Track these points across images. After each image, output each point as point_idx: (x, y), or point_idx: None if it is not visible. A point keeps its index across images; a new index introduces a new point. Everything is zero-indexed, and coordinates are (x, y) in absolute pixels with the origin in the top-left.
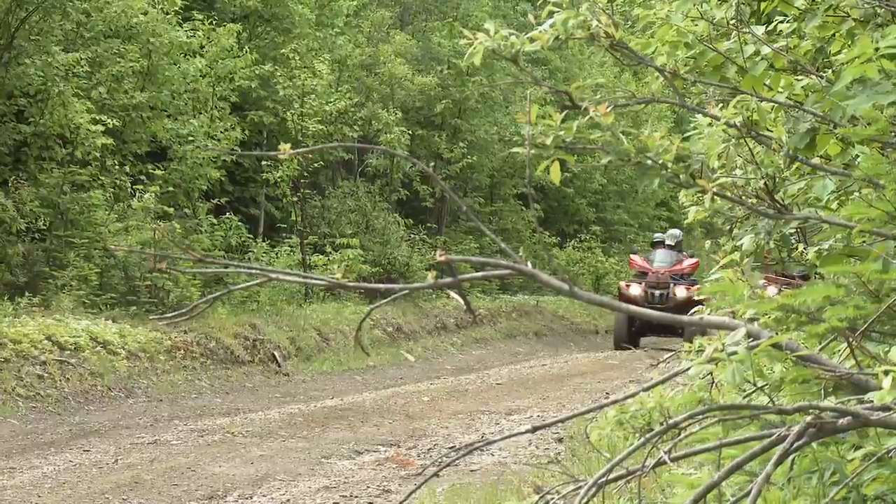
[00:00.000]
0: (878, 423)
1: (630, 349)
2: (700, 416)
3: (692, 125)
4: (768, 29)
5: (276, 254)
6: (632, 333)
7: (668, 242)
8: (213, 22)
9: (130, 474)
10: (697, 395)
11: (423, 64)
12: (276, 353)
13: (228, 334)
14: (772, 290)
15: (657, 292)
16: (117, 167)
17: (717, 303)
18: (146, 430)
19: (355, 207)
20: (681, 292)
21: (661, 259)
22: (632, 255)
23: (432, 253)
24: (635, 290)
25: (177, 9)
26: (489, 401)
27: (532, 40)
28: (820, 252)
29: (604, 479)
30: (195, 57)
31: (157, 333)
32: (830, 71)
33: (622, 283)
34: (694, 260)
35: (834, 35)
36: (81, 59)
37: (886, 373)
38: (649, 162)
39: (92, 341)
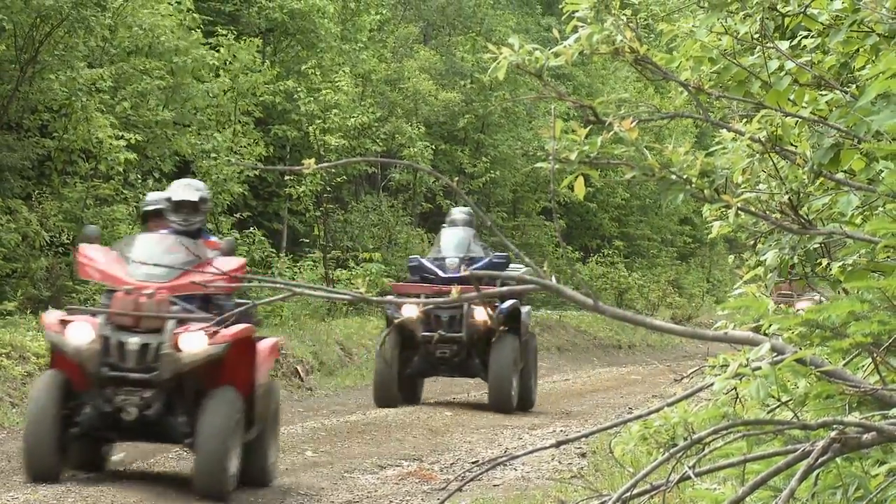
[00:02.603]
0: None
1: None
2: (724, 432)
3: (716, 140)
4: (792, 44)
5: (300, 268)
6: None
7: (173, 218)
8: (235, 36)
9: (155, 488)
10: (721, 411)
11: (447, 79)
12: (298, 368)
13: None
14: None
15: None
16: (140, 182)
17: (740, 317)
18: (169, 444)
19: (378, 222)
20: (191, 344)
21: (151, 254)
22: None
23: None
24: (81, 334)
25: (199, 25)
26: (511, 415)
27: (556, 55)
28: (844, 267)
29: (628, 494)
30: (218, 75)
31: None
32: (855, 86)
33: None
34: (238, 260)
35: (858, 50)
36: (105, 75)
37: None
38: (673, 177)
39: None
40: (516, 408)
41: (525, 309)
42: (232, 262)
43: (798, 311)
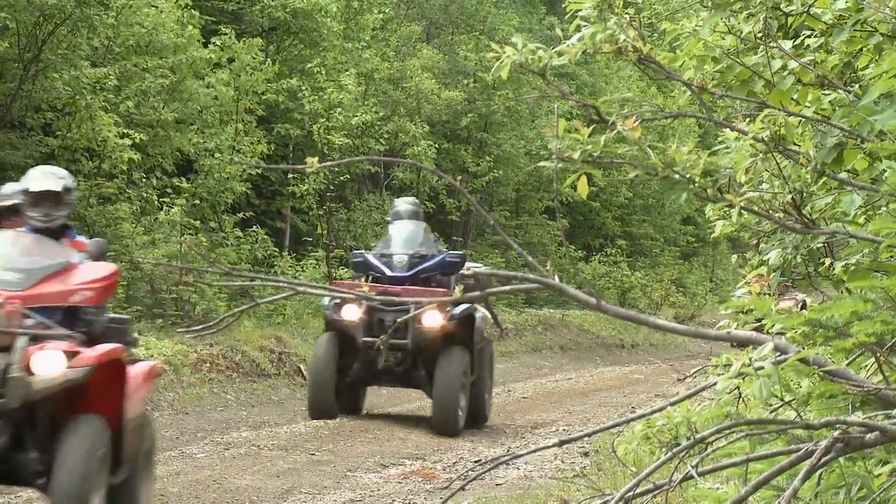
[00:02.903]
0: None
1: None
2: (727, 431)
3: (719, 139)
4: (796, 43)
5: (302, 267)
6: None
7: (31, 213)
8: (237, 33)
9: (156, 487)
10: (724, 410)
11: (450, 77)
12: (301, 367)
13: (254, 347)
14: None
15: None
16: (144, 180)
17: (743, 317)
18: (172, 443)
19: (381, 220)
20: (46, 366)
21: (4, 256)
22: None
23: None
24: None
25: (197, 23)
26: (514, 414)
27: (560, 54)
28: (847, 267)
29: (630, 494)
30: (219, 71)
31: (182, 346)
32: (858, 86)
33: None
34: (109, 266)
35: (861, 50)
36: (110, 74)
37: None
38: (676, 176)
39: None
40: (465, 425)
41: (479, 314)
42: (101, 269)
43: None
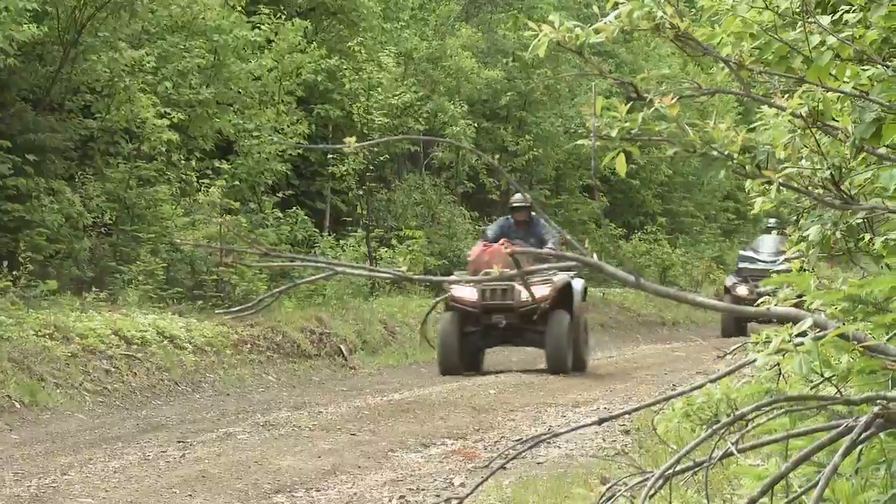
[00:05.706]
0: None
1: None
2: (767, 408)
3: (758, 116)
4: (834, 19)
5: (342, 247)
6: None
7: None
8: (282, 16)
9: (197, 468)
10: (764, 387)
11: (489, 56)
12: (342, 347)
13: (295, 328)
14: None
15: None
16: (183, 162)
17: (783, 293)
18: (213, 423)
19: (421, 200)
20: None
21: None
22: None
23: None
24: None
25: (241, 6)
26: (556, 393)
27: (597, 32)
28: (887, 242)
29: (671, 471)
30: (262, 53)
31: (223, 328)
32: None
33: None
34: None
35: None
36: (148, 55)
37: None
38: (715, 153)
39: (158, 336)
40: None
41: None
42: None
43: None
